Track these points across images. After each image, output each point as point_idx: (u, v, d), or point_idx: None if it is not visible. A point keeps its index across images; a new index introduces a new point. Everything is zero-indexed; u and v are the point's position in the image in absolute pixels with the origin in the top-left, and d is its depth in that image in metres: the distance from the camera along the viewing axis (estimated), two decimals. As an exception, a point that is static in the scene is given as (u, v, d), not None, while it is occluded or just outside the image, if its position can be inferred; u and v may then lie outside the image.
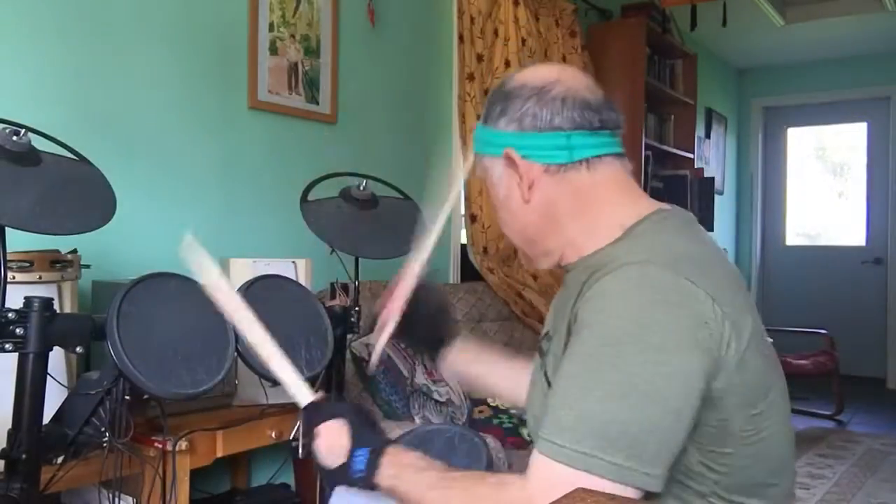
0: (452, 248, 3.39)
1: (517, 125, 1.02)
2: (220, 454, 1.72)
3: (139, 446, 1.54)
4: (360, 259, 1.92)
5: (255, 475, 2.39)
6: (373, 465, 1.01)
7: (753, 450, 0.94)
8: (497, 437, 2.22)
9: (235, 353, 1.40)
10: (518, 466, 2.01)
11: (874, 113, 6.23)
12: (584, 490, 0.80)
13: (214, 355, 1.34)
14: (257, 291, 1.50)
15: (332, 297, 1.89)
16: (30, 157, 1.30)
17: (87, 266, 1.66)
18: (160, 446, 1.55)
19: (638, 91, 4.15)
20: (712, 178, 5.29)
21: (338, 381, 1.81)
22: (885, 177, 6.14)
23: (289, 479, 2.36)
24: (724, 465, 0.93)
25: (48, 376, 1.23)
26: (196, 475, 1.69)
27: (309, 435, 1.11)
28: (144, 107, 2.16)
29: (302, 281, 1.94)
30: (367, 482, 1.01)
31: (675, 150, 4.79)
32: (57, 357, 1.39)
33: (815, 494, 3.27)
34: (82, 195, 1.37)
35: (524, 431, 2.32)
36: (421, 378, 2.39)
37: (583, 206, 1.03)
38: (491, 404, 2.52)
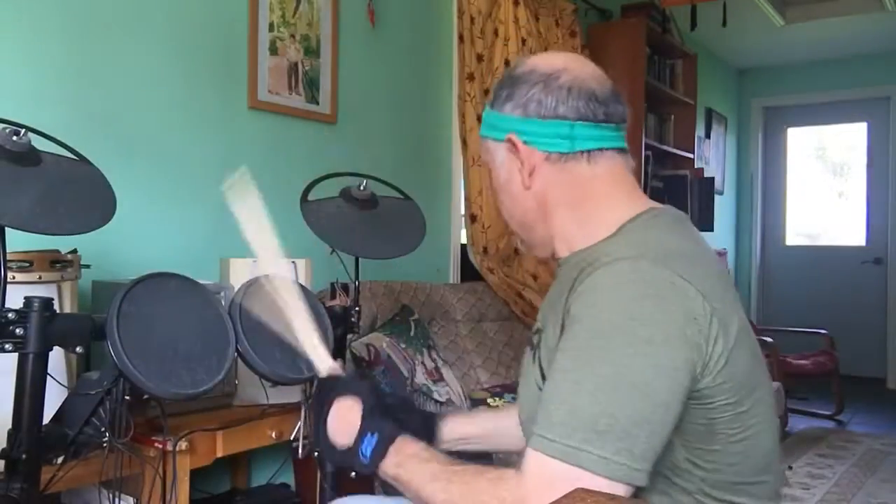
0: (452, 248, 3.39)
1: (522, 110, 1.03)
2: (220, 454, 1.72)
3: (139, 446, 1.54)
4: (360, 259, 1.92)
5: (255, 475, 2.39)
6: (379, 453, 1.01)
7: (740, 447, 0.94)
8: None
9: (235, 353, 1.39)
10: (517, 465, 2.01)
11: (874, 113, 6.23)
12: (583, 490, 0.80)
13: (214, 355, 1.34)
14: (258, 291, 1.49)
15: (332, 297, 1.89)
16: (30, 157, 1.30)
17: (87, 266, 1.66)
18: (160, 446, 1.55)
19: (638, 91, 4.15)
20: (712, 178, 5.30)
21: (338, 381, 1.81)
22: (885, 177, 6.14)
23: (289, 479, 2.36)
24: (711, 462, 0.93)
25: (48, 376, 1.23)
26: (196, 475, 1.69)
27: (321, 406, 1.10)
28: (144, 107, 2.16)
29: (302, 281, 1.94)
30: (369, 469, 1.01)
31: (675, 150, 4.79)
32: (57, 357, 1.38)
33: (815, 494, 3.27)
34: (82, 195, 1.37)
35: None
36: (421, 378, 2.39)
37: (579, 197, 1.03)
38: (491, 405, 2.52)
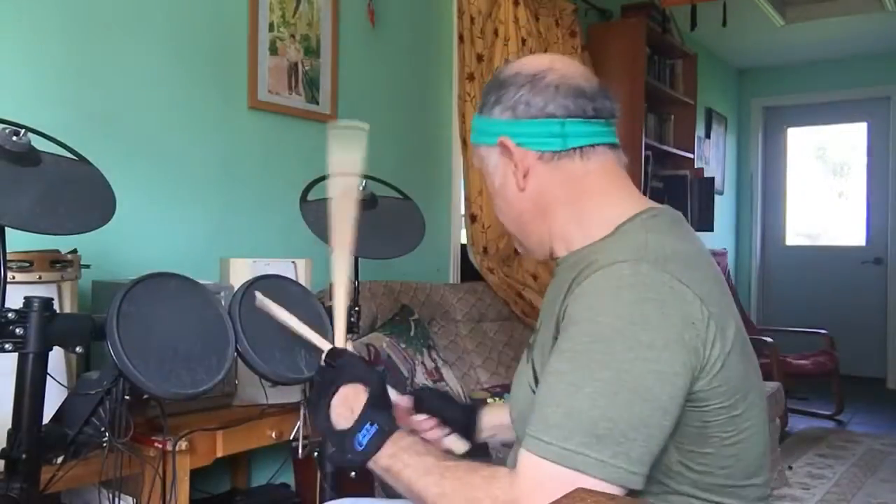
0: (452, 248, 3.39)
1: (511, 113, 1.03)
2: (220, 454, 1.72)
3: (139, 446, 1.54)
4: (360, 259, 1.92)
5: (255, 475, 2.39)
6: (375, 444, 1.00)
7: (733, 450, 0.94)
8: (497, 437, 2.22)
9: (235, 353, 1.40)
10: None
11: (874, 113, 6.23)
12: (583, 490, 0.80)
13: (214, 355, 1.34)
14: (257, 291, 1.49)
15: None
16: (30, 157, 1.30)
17: (87, 266, 1.66)
18: (160, 446, 1.55)
19: (638, 91, 4.15)
20: (712, 178, 5.29)
21: (338, 381, 1.81)
22: (885, 177, 6.14)
23: (289, 479, 2.36)
24: (703, 464, 0.93)
25: (48, 376, 1.23)
26: (196, 475, 1.69)
27: (330, 383, 1.09)
28: (144, 107, 2.16)
29: (302, 281, 1.94)
30: (362, 457, 1.00)
31: (675, 150, 4.79)
32: (57, 357, 1.39)
33: (815, 494, 3.27)
34: (82, 195, 1.37)
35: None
36: (421, 378, 2.39)
37: (575, 194, 1.03)
38: (491, 405, 2.52)
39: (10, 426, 1.21)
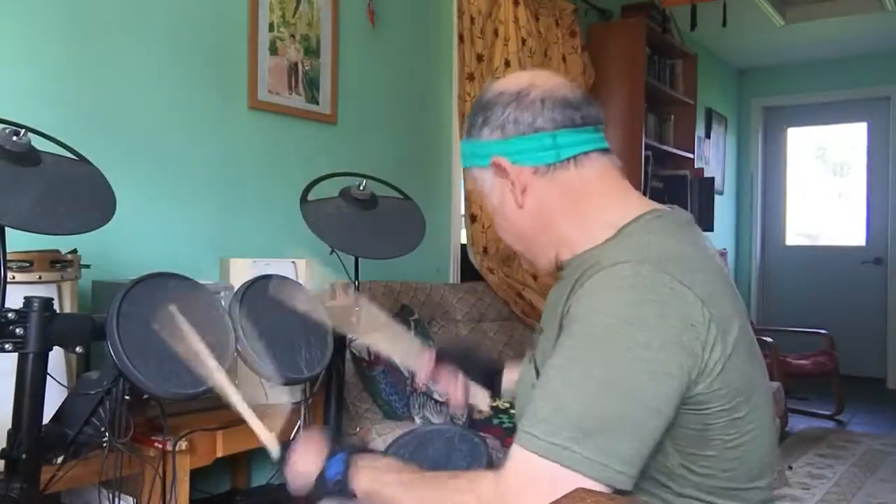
0: (452, 248, 3.39)
1: (500, 132, 1.03)
2: (220, 454, 1.72)
3: (139, 446, 1.54)
4: (360, 259, 1.92)
5: (255, 475, 2.39)
6: (348, 465, 1.02)
7: (737, 453, 0.94)
8: (497, 437, 2.22)
9: (235, 353, 1.40)
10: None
11: (874, 113, 6.23)
12: (583, 490, 0.80)
13: (214, 355, 1.34)
14: (258, 291, 1.50)
15: (332, 297, 1.89)
16: (30, 157, 1.30)
17: (87, 266, 1.66)
18: (160, 446, 1.55)
19: (638, 91, 4.15)
20: (712, 178, 5.29)
21: (338, 381, 1.81)
22: (885, 177, 6.14)
23: (289, 479, 2.36)
24: (706, 467, 0.93)
25: (48, 376, 1.23)
26: (196, 475, 1.69)
27: (285, 457, 1.12)
28: (144, 107, 2.16)
29: (302, 281, 1.94)
30: (343, 485, 1.02)
31: (675, 150, 4.79)
32: (57, 357, 1.39)
33: (815, 494, 3.27)
34: (82, 195, 1.37)
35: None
36: (421, 378, 2.39)
37: (574, 203, 1.03)
38: (491, 404, 2.52)
39: (10, 426, 1.21)
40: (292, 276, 1.89)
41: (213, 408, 1.82)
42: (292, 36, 2.58)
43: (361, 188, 1.90)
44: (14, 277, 1.41)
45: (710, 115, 5.93)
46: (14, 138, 1.27)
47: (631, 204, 1.03)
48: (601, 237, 1.00)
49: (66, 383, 1.44)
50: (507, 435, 2.34)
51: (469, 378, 1.36)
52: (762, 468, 0.98)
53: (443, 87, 3.31)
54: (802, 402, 5.01)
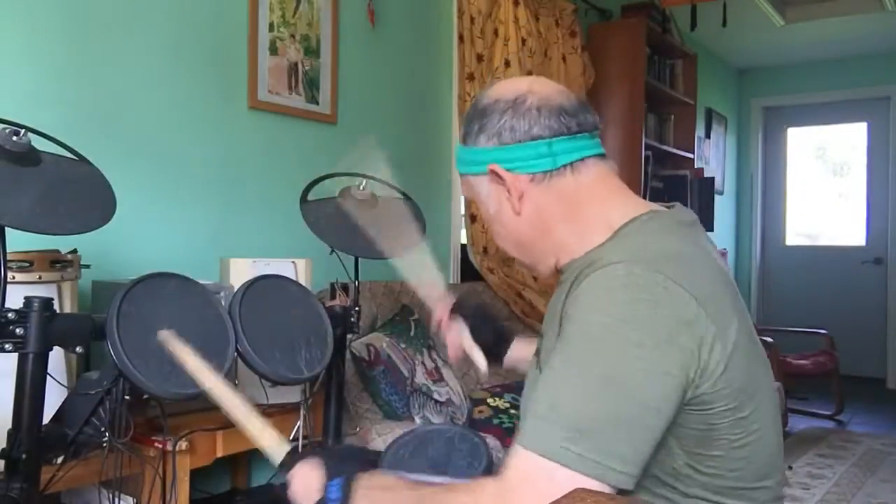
0: (452, 248, 3.39)
1: (497, 140, 1.03)
2: (220, 454, 1.72)
3: (139, 446, 1.54)
4: (359, 259, 1.92)
5: (255, 475, 2.39)
6: (347, 489, 1.02)
7: (744, 452, 0.94)
8: (497, 437, 2.22)
9: (235, 353, 1.40)
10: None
11: (874, 113, 6.23)
12: (583, 490, 0.80)
13: (214, 355, 1.34)
14: (257, 291, 1.50)
15: (332, 297, 1.89)
16: (30, 157, 1.30)
17: (87, 266, 1.66)
18: (160, 446, 1.55)
19: (638, 91, 4.15)
20: (712, 178, 5.29)
21: (338, 381, 1.81)
22: (885, 177, 6.14)
23: (289, 479, 2.36)
24: (712, 467, 0.93)
25: (48, 376, 1.23)
26: (196, 475, 1.69)
27: (286, 483, 1.12)
28: (144, 107, 2.16)
29: (302, 281, 1.94)
30: None
31: (675, 150, 4.79)
32: (57, 357, 1.39)
33: (815, 494, 3.27)
34: (82, 195, 1.37)
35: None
36: (421, 378, 2.39)
37: (572, 209, 1.04)
38: (491, 404, 2.52)
39: (10, 426, 1.21)
40: (292, 276, 1.89)
41: (213, 408, 1.81)
42: (292, 36, 2.58)
43: (361, 188, 1.90)
44: (14, 277, 1.41)
45: (710, 115, 5.94)
46: (14, 138, 1.27)
47: (628, 205, 1.04)
48: (598, 240, 1.01)
49: (66, 383, 1.44)
50: (507, 435, 2.34)
51: (478, 337, 1.37)
52: (770, 467, 0.99)
53: (443, 87, 3.31)
54: (802, 402, 5.01)
